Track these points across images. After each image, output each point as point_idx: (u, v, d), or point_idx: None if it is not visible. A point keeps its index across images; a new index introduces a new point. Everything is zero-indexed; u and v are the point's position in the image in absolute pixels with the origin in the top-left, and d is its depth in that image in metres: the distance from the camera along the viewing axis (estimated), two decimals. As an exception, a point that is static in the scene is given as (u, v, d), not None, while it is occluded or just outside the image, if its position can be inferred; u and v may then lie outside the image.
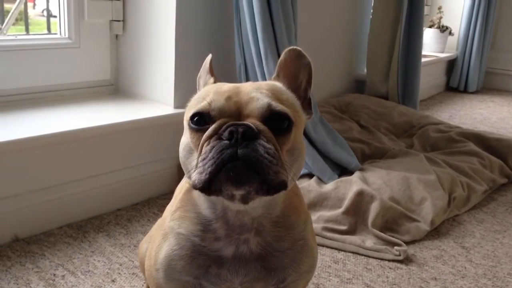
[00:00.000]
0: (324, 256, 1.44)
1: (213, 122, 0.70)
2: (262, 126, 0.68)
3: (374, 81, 3.02)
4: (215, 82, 0.82)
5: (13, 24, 1.77)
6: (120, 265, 1.32)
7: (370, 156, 2.10)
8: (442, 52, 4.17)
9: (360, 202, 1.60)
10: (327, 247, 1.49)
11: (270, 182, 0.66)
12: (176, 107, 1.79)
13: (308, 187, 1.69)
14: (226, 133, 0.67)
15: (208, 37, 1.86)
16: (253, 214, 0.75)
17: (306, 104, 0.81)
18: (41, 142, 1.43)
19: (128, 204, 1.68)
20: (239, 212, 0.74)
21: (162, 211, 0.89)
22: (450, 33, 4.17)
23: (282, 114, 0.70)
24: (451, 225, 1.69)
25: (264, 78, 1.73)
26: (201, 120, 0.70)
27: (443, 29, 4.12)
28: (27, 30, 1.84)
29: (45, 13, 1.94)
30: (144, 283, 1.23)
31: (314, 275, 1.32)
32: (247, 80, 1.80)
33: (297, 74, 0.80)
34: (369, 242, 1.49)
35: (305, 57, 0.80)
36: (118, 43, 1.93)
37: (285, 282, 0.80)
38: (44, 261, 1.31)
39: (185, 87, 1.78)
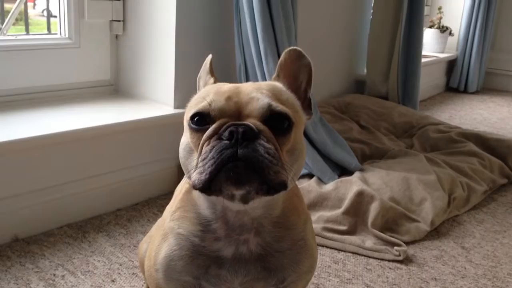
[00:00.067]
0: (324, 256, 1.44)
1: (213, 122, 0.70)
2: (262, 126, 0.68)
3: (374, 82, 3.02)
4: (215, 82, 0.82)
5: (13, 24, 1.77)
6: (120, 265, 1.32)
7: (370, 156, 2.10)
8: (442, 52, 4.17)
9: (360, 203, 1.60)
10: (327, 247, 1.49)
11: (270, 182, 0.66)
12: (176, 107, 1.79)
13: (308, 187, 1.69)
14: (226, 133, 0.67)
15: (208, 37, 1.86)
16: (253, 215, 0.75)
17: (306, 104, 0.81)
18: (41, 142, 1.42)
19: (128, 204, 1.68)
20: (239, 212, 0.74)
21: (162, 211, 0.89)
22: (450, 34, 4.17)
23: (282, 114, 0.70)
24: (451, 226, 1.69)
25: (264, 78, 1.73)
26: (201, 120, 0.70)
27: (443, 29, 4.12)
28: (27, 30, 1.84)
29: (45, 13, 1.94)
30: (144, 283, 1.23)
31: (314, 275, 1.32)
32: (247, 80, 1.80)
33: (297, 74, 0.81)
34: (369, 242, 1.49)
35: (305, 57, 0.80)
36: (118, 43, 1.93)
37: (285, 283, 0.80)
38: (44, 261, 1.31)
39: (185, 87, 1.78)
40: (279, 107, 0.70)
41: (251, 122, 0.68)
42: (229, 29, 1.88)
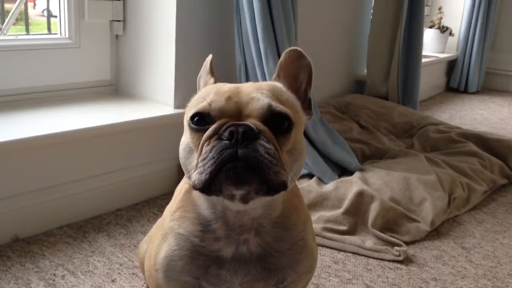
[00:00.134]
0: (324, 257, 1.44)
1: (213, 122, 0.70)
2: (262, 126, 0.68)
3: (374, 82, 3.02)
4: (215, 82, 0.82)
5: (14, 24, 1.77)
6: (120, 265, 1.32)
7: (370, 156, 2.10)
8: (442, 52, 4.17)
9: (360, 203, 1.60)
10: (327, 247, 1.49)
11: (270, 183, 0.66)
12: (176, 107, 1.79)
13: (308, 188, 1.69)
14: (226, 133, 0.67)
15: (208, 37, 1.86)
16: (253, 215, 0.75)
17: (306, 104, 0.81)
18: (42, 142, 1.43)
19: (128, 204, 1.68)
20: (239, 213, 0.74)
21: (162, 211, 0.89)
22: (451, 34, 4.17)
23: (282, 114, 0.70)
24: (451, 226, 1.69)
25: (264, 78, 1.73)
26: (201, 120, 0.70)
27: (444, 29, 4.12)
28: (27, 30, 1.84)
29: (45, 13, 1.94)
30: (144, 283, 1.23)
31: (314, 276, 1.32)
32: (247, 80, 1.80)
33: (297, 74, 0.81)
34: (369, 242, 1.49)
35: (306, 57, 0.80)
36: (118, 43, 1.93)
37: (285, 283, 0.80)
38: (44, 261, 1.31)
39: (185, 87, 1.78)
40: (279, 107, 0.70)
41: (251, 122, 0.68)
42: (229, 29, 1.88)
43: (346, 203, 1.60)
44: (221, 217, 0.76)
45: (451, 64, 4.27)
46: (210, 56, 0.87)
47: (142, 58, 1.87)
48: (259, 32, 1.70)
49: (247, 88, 0.73)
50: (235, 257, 0.77)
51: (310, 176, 1.81)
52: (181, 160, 0.74)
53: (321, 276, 1.34)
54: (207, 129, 0.69)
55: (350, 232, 1.55)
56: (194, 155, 0.70)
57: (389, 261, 1.44)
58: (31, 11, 2.01)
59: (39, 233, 1.45)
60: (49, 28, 1.91)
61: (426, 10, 4.02)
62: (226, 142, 0.66)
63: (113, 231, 1.50)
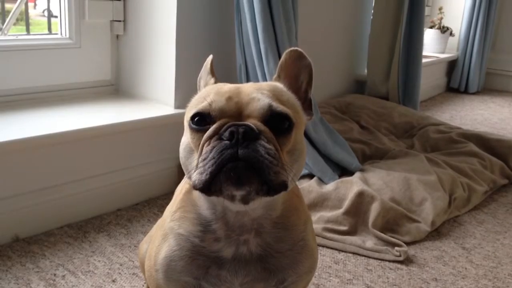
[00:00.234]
0: (324, 257, 1.44)
1: (214, 122, 0.70)
2: (262, 127, 0.68)
3: (374, 82, 3.02)
4: (215, 82, 0.82)
5: (14, 24, 1.78)
6: (121, 265, 1.32)
7: (371, 156, 2.10)
8: (443, 52, 4.17)
9: (360, 203, 1.60)
10: (328, 247, 1.49)
11: (270, 183, 0.66)
12: (176, 107, 1.79)
13: (309, 188, 1.69)
14: (226, 133, 0.67)
15: (208, 37, 1.86)
16: (253, 215, 0.75)
17: (307, 105, 0.81)
18: (41, 142, 1.43)
19: (129, 204, 1.68)
20: (239, 213, 0.74)
21: (162, 211, 0.89)
22: (451, 34, 4.16)
23: (282, 114, 0.70)
24: (451, 226, 1.69)
25: (264, 79, 1.73)
26: (201, 120, 0.70)
27: (444, 29, 4.12)
28: (27, 30, 1.84)
29: (45, 13, 1.94)
30: (145, 283, 1.23)
31: (315, 276, 1.32)
32: (248, 80, 1.80)
33: (297, 75, 0.81)
34: (370, 242, 1.49)
35: (306, 58, 0.80)
36: (119, 43, 1.93)
37: (285, 283, 0.80)
38: (44, 261, 1.31)
39: (185, 87, 1.78)
40: (280, 107, 0.70)
41: (252, 122, 0.68)
42: (229, 29, 1.88)
43: (346, 203, 1.60)
44: (221, 217, 0.76)
45: (452, 65, 4.27)
46: (210, 57, 0.87)
47: (143, 58, 1.87)
48: (259, 32, 1.70)
49: (248, 88, 0.73)
50: (235, 257, 0.77)
51: (310, 176, 1.81)
52: (182, 160, 0.74)
53: (321, 276, 1.34)
54: (208, 129, 0.69)
55: (351, 232, 1.55)
56: (194, 155, 0.70)
57: (389, 261, 1.44)
58: (31, 11, 2.01)
59: (40, 233, 1.45)
60: (49, 28, 1.91)
61: (427, 10, 4.02)
62: (227, 142, 0.66)
63: (114, 231, 1.50)
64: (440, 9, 4.15)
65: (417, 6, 2.90)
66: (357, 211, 1.59)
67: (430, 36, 4.10)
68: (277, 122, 0.70)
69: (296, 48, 0.80)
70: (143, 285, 1.24)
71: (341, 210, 1.59)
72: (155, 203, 1.71)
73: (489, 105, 3.88)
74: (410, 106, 2.93)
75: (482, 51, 4.18)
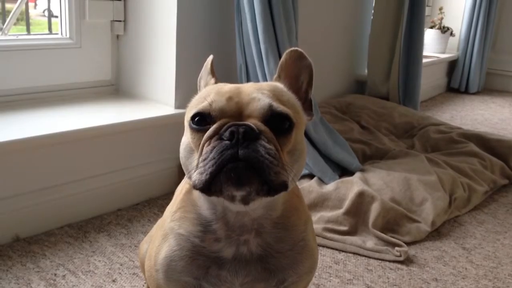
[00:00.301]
0: (324, 257, 1.44)
1: (214, 122, 0.69)
2: (263, 127, 0.68)
3: (375, 82, 3.01)
4: (216, 82, 0.82)
5: (14, 24, 1.78)
6: (121, 265, 1.32)
7: (371, 156, 2.10)
8: (443, 53, 4.17)
9: (360, 203, 1.60)
10: (328, 247, 1.49)
11: (271, 183, 0.66)
12: (176, 107, 1.79)
13: (309, 188, 1.69)
14: (227, 133, 0.67)
15: (209, 37, 1.86)
16: (253, 215, 0.75)
17: (307, 105, 0.81)
18: (42, 142, 1.43)
19: (129, 204, 1.68)
20: (239, 213, 0.74)
21: (162, 211, 0.89)
22: (451, 34, 4.16)
23: (283, 114, 0.70)
24: (452, 226, 1.69)
25: (265, 79, 1.73)
26: (202, 120, 0.70)
27: (444, 30, 4.12)
28: (28, 30, 1.84)
29: (46, 13, 1.94)
30: (145, 283, 1.23)
31: (315, 276, 1.32)
32: (248, 80, 1.80)
33: (298, 75, 0.81)
34: (370, 242, 1.49)
35: (306, 58, 0.80)
36: (119, 43, 1.93)
37: (285, 283, 0.80)
38: (45, 261, 1.31)
39: (186, 87, 1.78)
40: (280, 107, 0.70)
41: (252, 122, 0.68)
42: (230, 30, 1.88)
43: (346, 204, 1.60)
44: (222, 217, 0.76)
45: (452, 65, 4.27)
46: (211, 57, 0.87)
47: (143, 58, 1.87)
48: (259, 33, 1.70)
49: (248, 88, 0.73)
50: (236, 257, 0.77)
51: (310, 176, 1.81)
52: (182, 160, 0.74)
53: (321, 276, 1.34)
54: (208, 129, 0.69)
55: (351, 232, 1.55)
56: (194, 155, 0.70)
57: (389, 261, 1.44)
58: (32, 11, 2.01)
59: (40, 233, 1.45)
60: (50, 28, 1.91)
61: (427, 10, 4.02)
62: (227, 142, 0.66)
63: (114, 231, 1.50)
64: (441, 9, 4.15)
65: (418, 6, 2.90)
66: (357, 211, 1.59)
67: (430, 36, 4.09)
68: (277, 122, 0.70)
69: (296, 48, 0.80)
70: (143, 285, 1.24)
71: (342, 210, 1.59)
72: (156, 203, 1.71)
73: (489, 105, 3.87)
74: (410, 106, 2.93)
75: (483, 51, 4.18)
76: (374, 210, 1.57)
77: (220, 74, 0.86)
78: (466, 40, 4.17)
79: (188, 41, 1.77)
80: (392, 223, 1.60)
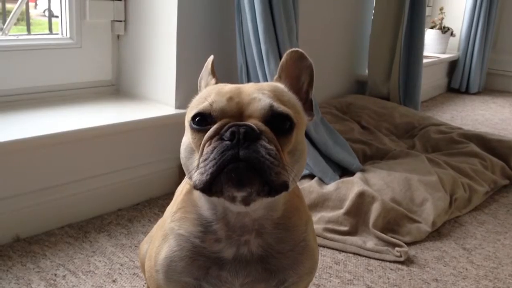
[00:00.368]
0: (325, 257, 1.44)
1: (215, 122, 0.69)
2: (263, 127, 0.68)
3: (375, 82, 3.01)
4: (216, 83, 0.82)
5: (15, 24, 1.78)
6: (121, 265, 1.32)
7: (371, 157, 2.10)
8: (444, 53, 4.16)
9: (361, 203, 1.60)
10: (328, 248, 1.49)
11: (272, 183, 0.66)
12: (177, 107, 1.79)
13: (309, 188, 1.69)
14: (227, 134, 0.67)
15: (209, 37, 1.86)
16: (254, 216, 0.75)
17: (308, 106, 0.81)
18: (43, 142, 1.43)
19: (129, 204, 1.68)
20: (240, 214, 0.74)
21: (163, 212, 0.89)
22: (452, 34, 4.16)
23: (283, 115, 0.70)
24: (452, 226, 1.69)
25: (265, 79, 1.73)
26: (202, 120, 0.70)
27: (445, 30, 4.11)
28: (28, 30, 1.84)
29: (46, 13, 1.94)
30: (145, 283, 1.23)
31: (315, 276, 1.32)
32: (249, 81, 1.80)
33: (298, 76, 0.81)
34: (370, 243, 1.49)
35: (307, 59, 0.80)
36: (120, 43, 1.93)
37: (286, 284, 0.80)
38: (45, 261, 1.31)
39: (186, 88, 1.78)
40: (281, 107, 0.70)
41: (253, 122, 0.68)
42: (230, 30, 1.88)
43: (347, 204, 1.60)
44: (222, 218, 0.76)
45: (453, 65, 4.27)
46: (211, 57, 0.87)
47: (143, 58, 1.87)
48: (260, 33, 1.70)
49: (249, 89, 0.73)
50: (236, 258, 0.77)
51: (311, 176, 1.80)
52: (182, 161, 0.74)
53: (322, 276, 1.34)
54: (208, 130, 0.69)
55: (351, 232, 1.55)
56: (195, 156, 0.70)
57: (390, 261, 1.44)
58: (32, 11, 2.01)
59: (40, 233, 1.45)
60: (50, 28, 1.91)
61: (428, 10, 4.02)
62: (228, 142, 0.66)
63: (114, 231, 1.50)
64: (441, 9, 4.15)
65: (418, 6, 2.90)
66: (357, 212, 1.59)
67: (431, 37, 4.09)
68: (278, 122, 0.70)
69: (297, 49, 0.80)
70: (143, 285, 1.24)
71: (342, 211, 1.59)
72: (156, 203, 1.71)
73: (490, 105, 3.87)
74: (411, 107, 2.93)
75: (483, 52, 4.17)
76: (375, 210, 1.57)
77: (221, 74, 0.86)
78: (466, 40, 4.16)
79: (189, 41, 1.77)
80: (393, 224, 1.60)
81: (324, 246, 1.49)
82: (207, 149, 0.67)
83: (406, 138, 2.44)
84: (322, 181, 1.76)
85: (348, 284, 1.32)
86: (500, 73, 4.51)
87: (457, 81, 4.25)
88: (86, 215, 1.56)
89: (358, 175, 1.79)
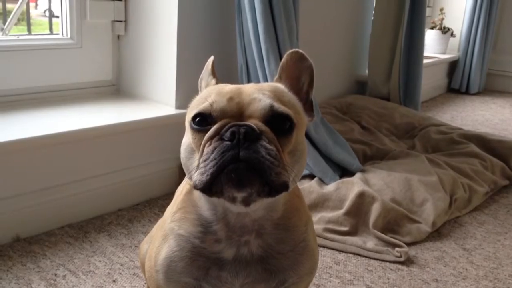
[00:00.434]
0: (325, 257, 1.44)
1: (215, 123, 0.69)
2: (264, 127, 0.68)
3: (375, 82, 3.01)
4: (217, 83, 0.82)
5: (15, 24, 1.78)
6: (121, 265, 1.32)
7: (372, 157, 2.10)
8: (444, 53, 4.16)
9: (361, 203, 1.60)
10: (328, 248, 1.49)
11: (272, 184, 0.66)
12: (177, 107, 1.79)
13: (309, 188, 1.69)
14: (228, 134, 0.67)
15: (209, 38, 1.86)
16: (254, 216, 0.75)
17: (308, 106, 0.81)
18: (43, 142, 1.43)
19: (129, 205, 1.68)
20: (240, 214, 0.74)
21: (163, 212, 0.89)
22: (452, 35, 4.16)
23: (284, 115, 0.70)
24: (452, 227, 1.69)
25: (265, 79, 1.73)
26: (202, 120, 0.70)
27: (445, 30, 4.11)
28: (29, 30, 1.84)
29: (47, 13, 1.94)
30: (145, 283, 1.23)
31: (315, 276, 1.32)
32: (249, 81, 1.81)
33: (299, 76, 0.81)
34: (370, 243, 1.49)
35: (307, 59, 0.80)
36: (120, 43, 1.93)
37: (286, 284, 0.80)
38: (45, 261, 1.31)
39: (186, 88, 1.79)
40: (281, 108, 0.70)
41: (253, 122, 0.68)
42: (230, 30, 1.88)
43: (347, 204, 1.60)
44: (222, 218, 0.76)
45: (453, 65, 4.27)
46: (212, 58, 0.87)
47: (144, 59, 1.87)
48: (260, 33, 1.70)
49: (249, 89, 0.73)
50: (236, 258, 0.77)
51: (311, 176, 1.81)
52: (183, 161, 0.74)
53: (322, 277, 1.34)
54: (209, 130, 0.69)
55: (351, 233, 1.55)
56: (195, 156, 0.70)
57: (390, 262, 1.44)
58: (33, 11, 2.01)
59: (41, 233, 1.45)
60: (50, 28, 1.91)
61: (428, 11, 4.02)
62: (228, 143, 0.66)
63: (114, 231, 1.50)
64: (441, 9, 4.15)
65: (418, 7, 2.90)
66: (357, 212, 1.59)
67: (431, 37, 4.09)
68: (278, 122, 0.70)
69: (297, 49, 0.80)
70: (143, 286, 1.24)
71: (342, 211, 1.59)
72: (156, 203, 1.71)
73: (490, 106, 3.87)
74: (411, 107, 2.93)
75: (483, 52, 4.17)
76: (375, 210, 1.57)
77: (221, 74, 0.86)
78: (466, 40, 4.16)
79: (189, 42, 1.78)
80: (393, 224, 1.60)
81: (324, 246, 1.49)
82: (207, 149, 0.67)
83: (406, 139, 2.44)
84: (322, 181, 1.76)
85: (348, 284, 1.32)
86: (500, 73, 4.51)
87: (457, 81, 4.25)
88: (86, 215, 1.56)
89: (358, 175, 1.79)
